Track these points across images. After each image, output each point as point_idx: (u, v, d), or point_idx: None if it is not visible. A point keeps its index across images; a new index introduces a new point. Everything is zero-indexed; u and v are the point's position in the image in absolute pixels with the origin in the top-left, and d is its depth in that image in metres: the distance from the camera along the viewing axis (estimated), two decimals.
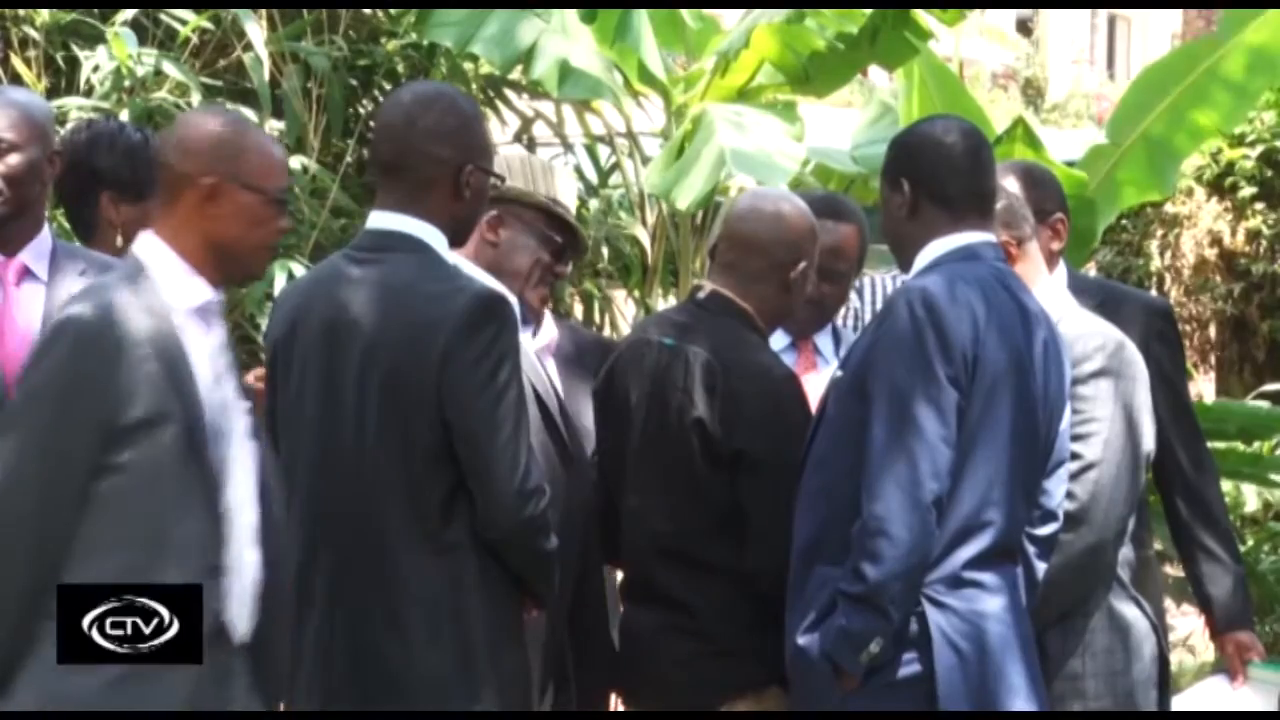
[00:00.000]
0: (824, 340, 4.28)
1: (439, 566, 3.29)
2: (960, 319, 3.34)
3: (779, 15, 5.92)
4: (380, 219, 3.43)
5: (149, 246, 3.10)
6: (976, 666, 3.32)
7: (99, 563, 2.99)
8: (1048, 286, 3.85)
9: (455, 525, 3.29)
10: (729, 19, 6.64)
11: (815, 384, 4.01)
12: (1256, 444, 6.33)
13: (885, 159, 3.63)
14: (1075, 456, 3.67)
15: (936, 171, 3.54)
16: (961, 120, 3.71)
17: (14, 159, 3.64)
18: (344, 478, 3.33)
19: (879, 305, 4.86)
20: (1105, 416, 3.72)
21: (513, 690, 3.38)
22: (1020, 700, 3.36)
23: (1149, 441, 3.80)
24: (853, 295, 4.86)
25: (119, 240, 3.97)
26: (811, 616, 3.39)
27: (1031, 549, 3.56)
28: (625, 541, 3.83)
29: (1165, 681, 3.90)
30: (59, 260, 3.66)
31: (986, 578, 3.37)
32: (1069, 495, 3.65)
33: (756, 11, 6.04)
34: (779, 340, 4.09)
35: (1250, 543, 6.56)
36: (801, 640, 3.40)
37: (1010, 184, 3.95)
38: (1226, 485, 5.74)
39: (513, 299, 3.64)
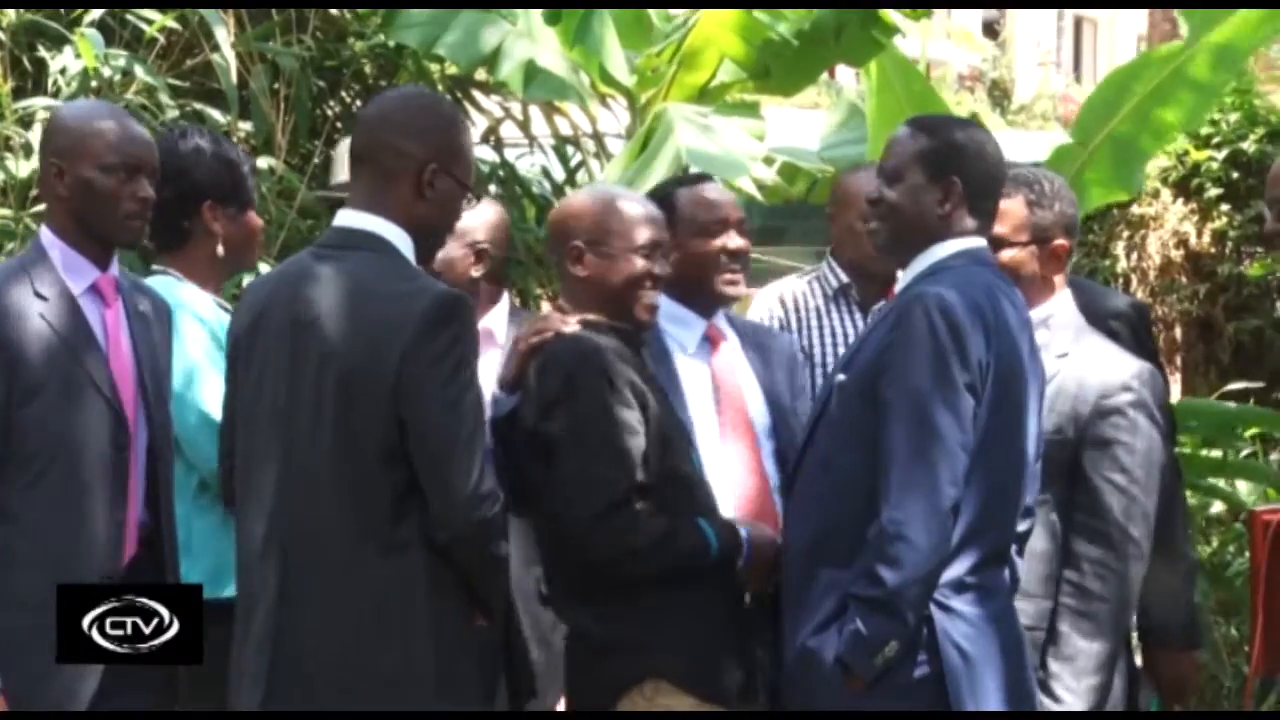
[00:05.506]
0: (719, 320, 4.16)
1: (387, 565, 3.25)
2: (976, 328, 3.37)
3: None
4: (346, 216, 3.42)
5: None
6: (981, 669, 3.34)
7: None
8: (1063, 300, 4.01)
9: (405, 525, 3.25)
10: None
11: (724, 366, 4.06)
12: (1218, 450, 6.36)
13: (923, 148, 3.53)
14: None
15: (984, 179, 3.55)
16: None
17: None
18: (298, 474, 3.30)
19: (803, 315, 4.79)
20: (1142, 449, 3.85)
21: (460, 692, 3.33)
22: (1016, 702, 3.40)
23: None
24: (775, 304, 4.80)
25: (219, 250, 4.03)
26: (819, 619, 3.40)
27: (1013, 546, 3.58)
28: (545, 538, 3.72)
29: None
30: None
31: (989, 581, 3.41)
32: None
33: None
34: (692, 336, 4.05)
35: (1216, 544, 6.58)
36: (810, 642, 3.40)
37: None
38: (1191, 499, 5.77)
39: None
